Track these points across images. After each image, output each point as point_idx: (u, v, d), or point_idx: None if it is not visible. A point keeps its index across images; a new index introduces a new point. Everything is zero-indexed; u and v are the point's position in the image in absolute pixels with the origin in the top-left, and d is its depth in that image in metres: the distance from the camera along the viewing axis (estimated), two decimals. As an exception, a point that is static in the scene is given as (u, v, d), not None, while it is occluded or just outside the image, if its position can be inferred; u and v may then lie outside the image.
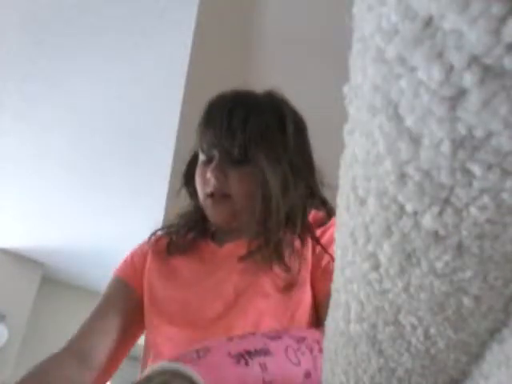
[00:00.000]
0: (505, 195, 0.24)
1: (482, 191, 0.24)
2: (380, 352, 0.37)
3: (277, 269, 0.80)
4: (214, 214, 0.87)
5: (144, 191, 3.00)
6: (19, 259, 4.54)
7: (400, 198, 0.27)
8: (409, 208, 0.27)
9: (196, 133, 0.91)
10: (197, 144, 0.92)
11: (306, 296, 0.79)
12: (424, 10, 0.21)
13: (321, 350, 0.56)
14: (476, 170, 0.23)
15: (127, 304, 0.92)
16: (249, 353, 0.54)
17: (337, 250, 0.37)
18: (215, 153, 0.85)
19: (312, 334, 0.64)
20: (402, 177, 0.26)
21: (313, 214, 0.91)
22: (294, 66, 1.58)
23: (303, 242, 0.84)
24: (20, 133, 2.89)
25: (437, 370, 0.37)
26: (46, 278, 4.89)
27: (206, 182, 0.86)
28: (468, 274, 0.28)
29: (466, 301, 0.30)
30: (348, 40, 0.29)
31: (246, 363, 0.53)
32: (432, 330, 0.33)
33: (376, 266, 0.32)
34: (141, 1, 2.01)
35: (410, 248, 0.29)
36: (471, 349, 0.35)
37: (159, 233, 0.99)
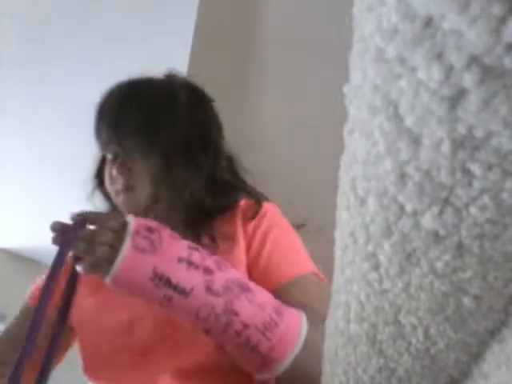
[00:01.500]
0: (505, 195, 0.24)
1: (482, 191, 0.24)
2: (380, 352, 0.37)
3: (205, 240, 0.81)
4: (124, 208, 0.88)
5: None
6: (19, 259, 4.54)
7: (400, 198, 0.27)
8: (409, 208, 0.27)
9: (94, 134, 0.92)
10: (97, 144, 0.93)
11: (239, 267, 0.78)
12: (424, 10, 0.21)
13: (238, 334, 0.63)
14: (476, 170, 0.23)
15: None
16: (168, 281, 0.62)
17: (337, 250, 0.37)
18: (115, 149, 0.87)
19: (253, 315, 0.64)
20: (402, 177, 0.26)
21: (243, 203, 0.89)
22: (294, 66, 1.58)
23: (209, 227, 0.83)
24: (20, 133, 2.89)
25: (437, 369, 0.37)
26: (46, 278, 4.88)
27: (113, 179, 0.88)
28: (468, 274, 0.28)
29: (466, 301, 0.30)
30: (348, 40, 0.29)
31: (157, 285, 0.61)
32: (432, 330, 0.33)
33: (376, 266, 0.32)
34: (141, 1, 2.01)
35: (410, 248, 0.29)
36: (471, 349, 0.35)
37: None
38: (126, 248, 0.63)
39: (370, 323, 0.36)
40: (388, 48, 0.23)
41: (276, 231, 0.84)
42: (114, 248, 0.64)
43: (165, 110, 0.89)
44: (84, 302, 0.88)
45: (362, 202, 0.30)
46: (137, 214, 0.85)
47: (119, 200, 0.88)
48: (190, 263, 0.63)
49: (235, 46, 1.66)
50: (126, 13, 2.05)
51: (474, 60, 0.20)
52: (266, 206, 0.88)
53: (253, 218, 0.85)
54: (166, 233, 0.67)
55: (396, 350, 0.36)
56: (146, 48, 2.18)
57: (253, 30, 1.66)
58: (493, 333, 0.34)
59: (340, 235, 0.36)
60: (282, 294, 0.75)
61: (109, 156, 0.90)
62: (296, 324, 0.66)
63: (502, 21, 0.19)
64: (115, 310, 0.83)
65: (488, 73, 0.20)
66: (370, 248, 0.31)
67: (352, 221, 0.32)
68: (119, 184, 0.86)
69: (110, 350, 0.81)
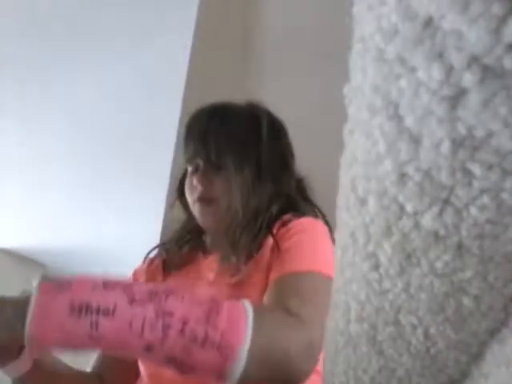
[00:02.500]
0: (505, 195, 0.24)
1: (482, 191, 0.24)
2: (380, 352, 0.37)
3: (229, 266, 0.81)
4: (201, 217, 0.91)
5: (144, 192, 3.01)
6: (19, 259, 4.53)
7: (400, 198, 0.27)
8: (409, 208, 0.27)
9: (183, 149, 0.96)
10: (183, 158, 0.96)
11: (253, 294, 0.78)
12: (424, 10, 0.21)
13: (181, 333, 0.57)
14: (476, 170, 0.23)
15: None
16: (89, 308, 0.57)
17: (337, 250, 0.37)
18: (199, 162, 0.90)
19: (189, 310, 0.60)
20: (402, 177, 0.26)
21: (285, 217, 0.91)
22: (294, 66, 1.58)
23: (260, 244, 0.84)
24: (20, 133, 2.89)
25: (437, 369, 0.37)
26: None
27: (193, 188, 0.91)
28: (468, 274, 0.28)
29: (466, 301, 0.30)
30: (348, 40, 0.29)
31: (79, 317, 0.57)
32: (432, 330, 0.33)
33: (376, 266, 0.32)
34: (141, 1, 2.01)
35: (410, 248, 0.29)
36: (471, 349, 0.35)
37: (152, 254, 1.01)
38: (35, 296, 0.58)
39: (370, 323, 0.36)
40: (388, 48, 0.23)
41: (298, 236, 0.85)
42: (20, 306, 0.59)
43: (251, 131, 0.94)
44: None
45: (362, 202, 0.30)
46: (211, 223, 0.88)
47: (195, 209, 0.91)
48: (105, 285, 0.60)
49: (235, 46, 1.66)
50: (126, 13, 2.05)
51: (474, 60, 0.20)
52: (304, 219, 0.89)
53: (283, 226, 0.86)
54: (75, 276, 0.63)
55: (396, 350, 0.36)
56: (147, 48, 2.18)
57: (252, 30, 1.66)
58: (493, 333, 0.34)
59: (340, 235, 0.36)
60: (267, 289, 0.75)
61: (189, 168, 0.94)
62: (238, 307, 0.63)
63: (502, 21, 0.19)
64: None
65: (488, 73, 0.20)
66: (370, 248, 0.31)
67: (352, 221, 0.32)
68: (197, 192, 0.90)
69: None
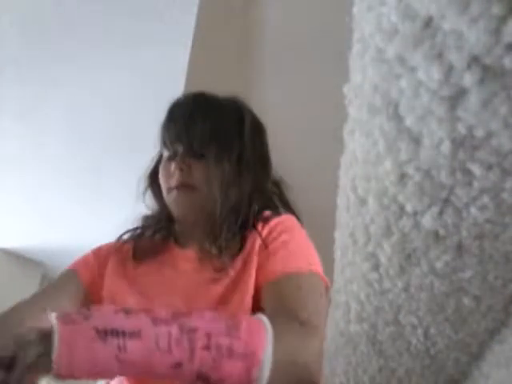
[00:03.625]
0: (505, 195, 0.24)
1: (482, 191, 0.24)
2: (380, 352, 0.37)
3: (214, 263, 0.80)
4: (177, 206, 0.87)
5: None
6: (19, 259, 4.53)
7: (400, 198, 0.27)
8: (409, 208, 0.27)
9: (160, 130, 0.93)
10: (160, 144, 0.94)
11: (244, 288, 0.77)
12: (424, 11, 0.21)
13: (207, 347, 0.58)
14: (476, 170, 0.23)
15: (73, 296, 0.90)
16: (115, 331, 0.57)
17: (337, 251, 0.37)
18: (178, 147, 0.87)
19: (212, 326, 0.62)
20: (402, 177, 0.26)
21: (265, 214, 0.91)
22: (294, 66, 1.58)
23: (243, 240, 0.83)
24: (19, 134, 2.89)
25: (437, 369, 0.37)
26: (46, 277, 4.88)
27: (170, 175, 0.88)
28: (468, 274, 0.28)
29: (466, 301, 0.30)
30: (348, 40, 0.29)
31: (105, 340, 0.57)
32: (432, 330, 0.33)
33: (376, 266, 0.32)
34: (141, 1, 2.00)
35: (410, 248, 0.29)
36: (471, 349, 0.35)
37: (124, 237, 0.98)
38: (57, 327, 0.59)
39: (370, 323, 0.36)
40: (388, 48, 0.23)
41: (286, 235, 0.84)
42: (44, 341, 0.60)
43: (235, 125, 0.92)
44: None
45: (362, 202, 0.30)
46: (187, 212, 0.85)
47: (171, 197, 0.87)
48: (127, 311, 0.61)
49: (235, 46, 1.66)
50: (126, 15, 2.05)
51: (474, 60, 0.20)
52: (284, 216, 0.88)
53: (266, 222, 0.86)
54: (90, 307, 0.65)
55: (396, 349, 0.36)
56: (147, 49, 2.18)
57: (252, 30, 1.66)
58: (493, 333, 0.34)
59: (340, 235, 0.36)
60: (265, 290, 0.74)
61: (165, 153, 0.90)
62: (257, 320, 0.64)
63: (502, 21, 0.19)
64: None
65: (488, 73, 0.20)
66: (370, 248, 0.31)
67: (352, 221, 0.32)
68: (175, 180, 0.86)
69: None
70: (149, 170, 0.99)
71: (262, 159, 0.99)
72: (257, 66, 1.62)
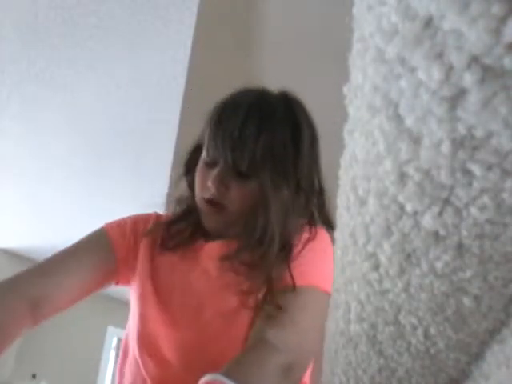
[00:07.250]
0: (505, 195, 0.24)
1: (482, 191, 0.24)
2: (380, 352, 0.37)
3: (245, 287, 0.77)
4: (207, 220, 0.84)
5: (144, 192, 3.01)
6: (19, 259, 4.54)
7: (400, 198, 0.27)
8: (409, 208, 0.27)
9: (204, 127, 0.86)
10: (202, 137, 0.87)
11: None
12: (424, 10, 0.21)
13: None
14: (476, 170, 0.23)
15: (101, 261, 0.88)
16: None
17: (337, 250, 0.37)
18: (220, 160, 0.82)
19: None
20: (402, 177, 0.26)
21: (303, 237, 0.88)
22: (294, 66, 1.58)
23: (280, 268, 0.80)
24: (20, 134, 2.90)
25: (437, 369, 0.37)
26: (46, 278, 4.88)
27: (205, 187, 0.83)
28: (468, 274, 0.28)
29: (466, 301, 0.30)
30: (348, 40, 0.29)
31: None
32: (432, 330, 0.33)
33: (376, 266, 0.32)
34: (141, 1, 2.01)
35: (410, 248, 0.29)
36: (471, 349, 0.35)
37: (161, 217, 0.95)
38: None
39: (370, 323, 0.36)
40: (388, 48, 0.23)
41: (312, 252, 0.81)
42: None
43: (291, 140, 0.84)
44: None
45: (362, 202, 0.30)
46: (215, 229, 0.83)
47: (202, 206, 0.82)
48: None
49: (235, 46, 1.66)
50: (126, 16, 2.05)
51: (474, 60, 0.20)
52: (318, 237, 0.85)
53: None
54: None
55: (396, 349, 0.36)
56: (147, 48, 2.18)
57: (253, 30, 1.66)
58: (493, 333, 0.34)
59: (340, 235, 0.36)
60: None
61: (206, 157, 0.84)
62: None
63: (502, 21, 0.19)
64: None
65: (488, 73, 0.20)
66: (370, 248, 0.31)
67: (352, 221, 0.32)
68: (208, 193, 0.81)
69: None
70: (186, 157, 0.94)
71: (317, 175, 0.91)
72: (257, 66, 1.62)
